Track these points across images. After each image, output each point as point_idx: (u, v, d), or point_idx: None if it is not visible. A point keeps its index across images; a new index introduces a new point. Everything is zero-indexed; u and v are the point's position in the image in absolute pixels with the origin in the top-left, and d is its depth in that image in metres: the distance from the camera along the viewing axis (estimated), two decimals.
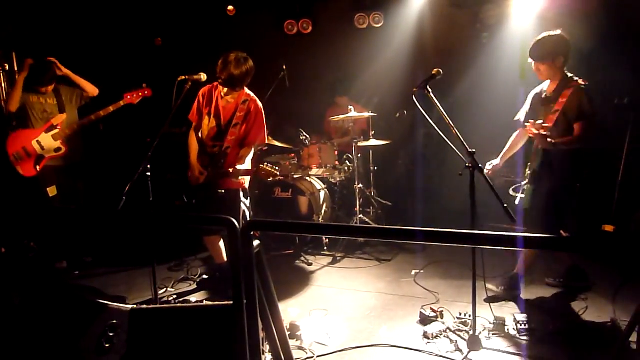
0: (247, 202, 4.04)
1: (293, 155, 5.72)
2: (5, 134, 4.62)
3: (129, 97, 4.58)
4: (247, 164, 3.99)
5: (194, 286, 4.40)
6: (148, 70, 5.83)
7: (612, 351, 2.63)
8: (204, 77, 3.74)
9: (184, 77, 3.61)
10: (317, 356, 3.12)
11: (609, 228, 4.76)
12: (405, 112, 5.60)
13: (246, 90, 3.98)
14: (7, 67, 5.75)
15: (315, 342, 3.29)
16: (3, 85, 5.74)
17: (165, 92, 3.69)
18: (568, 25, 5.13)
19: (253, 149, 4.05)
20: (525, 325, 3.26)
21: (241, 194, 3.97)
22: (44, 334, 2.55)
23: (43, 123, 4.63)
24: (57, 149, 4.64)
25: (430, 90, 3.07)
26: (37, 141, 4.57)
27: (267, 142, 4.10)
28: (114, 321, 2.35)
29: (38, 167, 4.60)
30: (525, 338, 3.20)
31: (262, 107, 4.00)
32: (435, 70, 3.10)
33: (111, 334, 2.34)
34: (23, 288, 2.81)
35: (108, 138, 6.09)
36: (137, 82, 4.76)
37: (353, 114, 5.30)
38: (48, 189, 4.66)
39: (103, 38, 6.24)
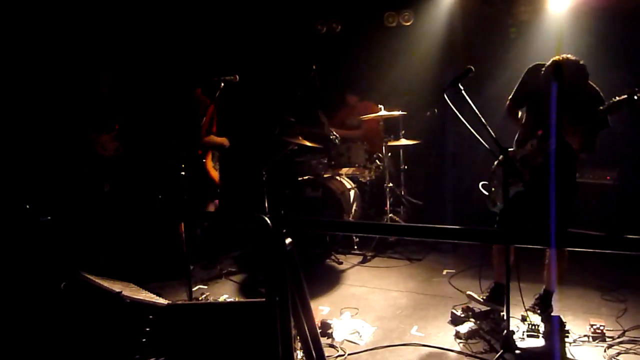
0: None
1: (323, 154, 5.74)
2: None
3: None
4: None
5: (226, 283, 4.47)
6: (173, 71, 5.84)
7: None
8: (236, 78, 3.76)
9: (217, 79, 3.66)
10: (349, 354, 3.13)
11: None
12: (436, 110, 5.54)
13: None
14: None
15: (347, 340, 3.31)
16: None
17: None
18: (601, 24, 4.98)
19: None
20: (560, 326, 3.19)
21: None
22: (82, 328, 2.65)
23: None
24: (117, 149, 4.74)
25: (462, 87, 2.97)
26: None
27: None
28: (150, 316, 2.43)
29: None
30: (560, 339, 3.13)
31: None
32: (468, 67, 2.98)
33: (147, 329, 2.41)
34: (65, 281, 2.91)
35: (139, 138, 6.12)
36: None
37: (382, 112, 5.29)
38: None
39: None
